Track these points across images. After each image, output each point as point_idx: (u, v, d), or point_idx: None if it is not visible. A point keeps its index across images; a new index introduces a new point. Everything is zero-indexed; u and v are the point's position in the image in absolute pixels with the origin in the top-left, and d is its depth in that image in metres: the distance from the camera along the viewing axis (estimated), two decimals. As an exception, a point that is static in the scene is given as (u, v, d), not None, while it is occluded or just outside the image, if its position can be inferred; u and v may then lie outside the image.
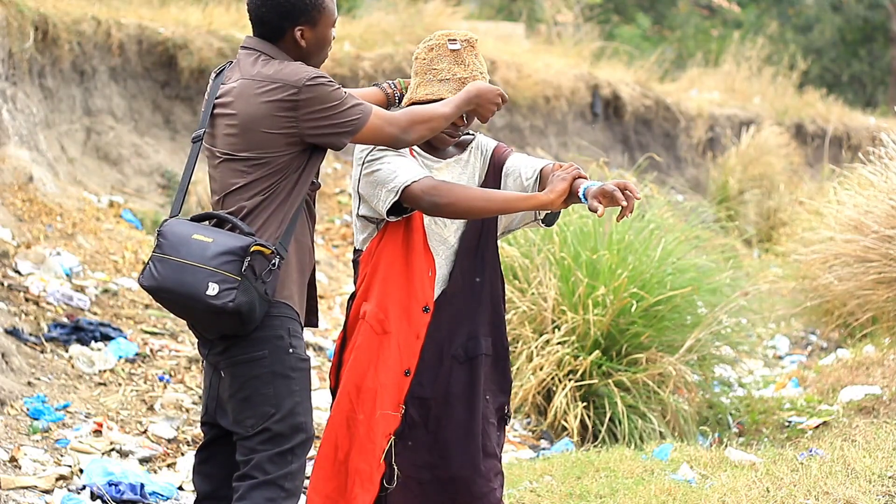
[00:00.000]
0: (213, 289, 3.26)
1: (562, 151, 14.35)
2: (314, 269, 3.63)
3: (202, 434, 3.66)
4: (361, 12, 14.61)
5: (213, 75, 3.57)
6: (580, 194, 3.37)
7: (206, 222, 3.44)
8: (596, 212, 3.32)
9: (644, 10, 26.20)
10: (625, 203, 3.32)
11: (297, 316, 3.45)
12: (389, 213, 3.54)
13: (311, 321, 3.63)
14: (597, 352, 6.71)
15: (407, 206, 3.52)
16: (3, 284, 6.85)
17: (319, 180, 3.56)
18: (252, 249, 3.28)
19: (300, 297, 3.49)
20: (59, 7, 9.64)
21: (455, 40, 3.61)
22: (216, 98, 3.47)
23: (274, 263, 3.33)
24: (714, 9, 28.16)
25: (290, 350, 3.39)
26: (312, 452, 3.81)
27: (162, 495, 5.04)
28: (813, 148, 18.46)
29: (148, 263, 3.38)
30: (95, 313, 7.09)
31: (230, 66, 3.52)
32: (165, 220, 3.42)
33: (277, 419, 3.36)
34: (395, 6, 14.34)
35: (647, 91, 16.48)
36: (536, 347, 6.77)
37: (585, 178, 3.43)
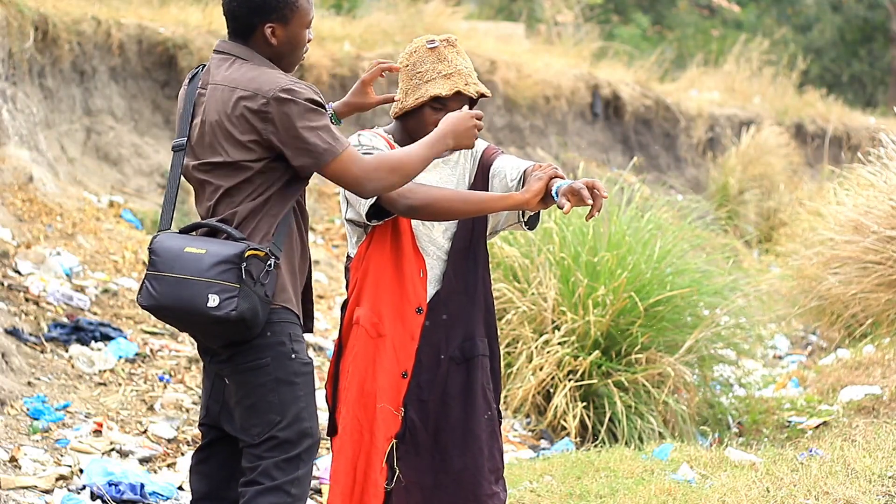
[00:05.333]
0: (213, 300, 3.23)
1: (562, 151, 14.35)
2: (311, 272, 3.59)
3: (200, 434, 3.65)
4: (361, 12, 14.61)
5: (185, 81, 3.52)
6: (553, 192, 3.39)
7: (195, 232, 3.40)
8: (562, 209, 3.32)
9: (644, 10, 26.18)
10: (591, 202, 3.32)
11: (297, 320, 3.43)
12: (371, 216, 3.53)
13: (307, 326, 3.60)
14: (596, 352, 6.72)
15: (386, 208, 3.51)
16: (3, 284, 6.85)
17: (316, 180, 3.54)
18: (247, 255, 3.25)
19: (297, 298, 3.46)
20: (59, 7, 9.64)
21: (433, 40, 3.59)
22: (193, 105, 3.42)
23: (270, 264, 3.30)
24: (714, 9, 28.14)
25: (293, 356, 3.36)
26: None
27: (162, 495, 5.04)
28: (813, 148, 18.45)
29: (144, 282, 3.35)
30: (95, 313, 7.09)
31: (203, 71, 3.46)
32: (155, 236, 3.38)
33: (283, 426, 3.33)
34: (395, 6, 14.34)
35: (647, 91, 16.48)
36: (536, 347, 6.77)
37: (562, 177, 3.44)
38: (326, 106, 3.45)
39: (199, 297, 3.24)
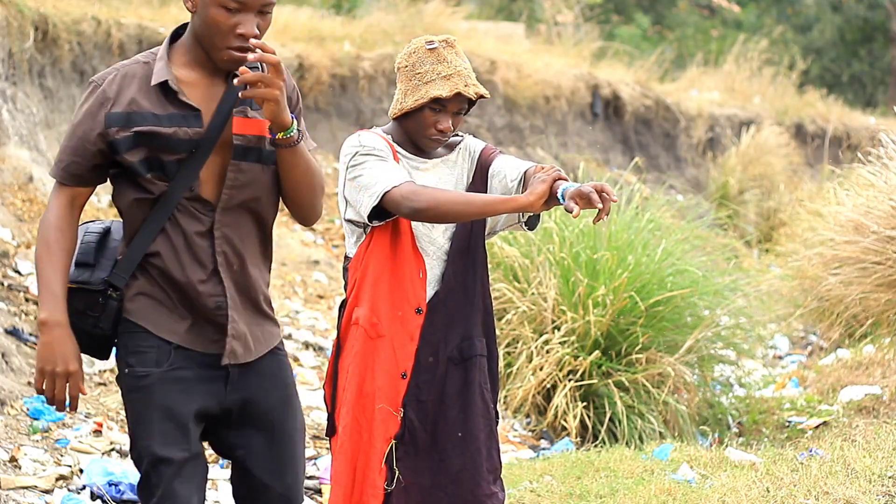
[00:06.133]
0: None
1: (562, 151, 14.35)
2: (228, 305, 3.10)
3: None
4: (361, 12, 14.62)
5: None
6: (559, 195, 3.35)
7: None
8: (571, 212, 3.28)
9: (644, 10, 26.20)
10: (600, 205, 3.27)
11: (141, 329, 3.05)
12: (372, 217, 3.52)
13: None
14: (597, 352, 6.72)
15: (389, 210, 3.50)
16: (3, 284, 6.85)
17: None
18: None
19: (180, 323, 3.07)
20: (59, 7, 9.64)
21: (432, 41, 3.58)
22: None
23: (101, 298, 3.03)
24: (714, 9, 28.16)
25: (126, 370, 3.05)
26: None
27: (162, 495, 5.04)
28: (813, 148, 18.46)
29: None
30: (95, 313, 7.08)
31: None
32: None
33: (130, 447, 3.09)
34: (395, 6, 14.34)
35: (647, 91, 16.48)
36: (536, 347, 6.77)
37: (566, 179, 3.40)
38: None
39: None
